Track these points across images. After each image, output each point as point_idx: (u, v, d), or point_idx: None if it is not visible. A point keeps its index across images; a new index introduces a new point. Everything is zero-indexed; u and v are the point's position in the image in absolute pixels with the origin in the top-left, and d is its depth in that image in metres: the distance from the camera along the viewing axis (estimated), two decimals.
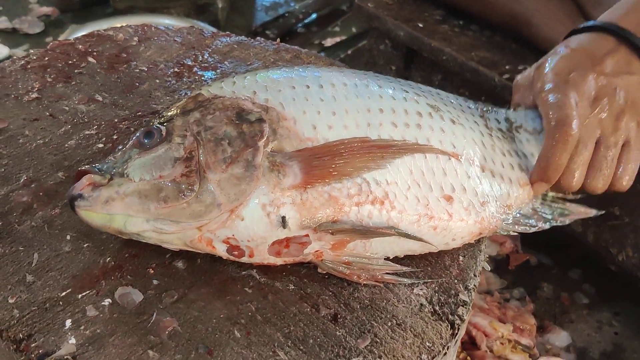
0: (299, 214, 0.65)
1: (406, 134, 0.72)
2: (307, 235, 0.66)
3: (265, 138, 0.66)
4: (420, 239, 0.69)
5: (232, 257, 0.67)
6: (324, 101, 0.71)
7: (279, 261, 0.68)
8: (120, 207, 0.64)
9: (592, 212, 0.87)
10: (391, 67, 1.54)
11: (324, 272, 0.69)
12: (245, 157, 0.65)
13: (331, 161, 0.66)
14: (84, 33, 1.05)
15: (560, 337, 1.32)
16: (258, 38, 1.07)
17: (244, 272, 0.69)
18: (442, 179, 0.72)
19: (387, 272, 0.70)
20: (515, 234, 0.79)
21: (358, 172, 0.67)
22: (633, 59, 0.83)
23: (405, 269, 0.71)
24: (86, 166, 0.66)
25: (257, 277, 0.68)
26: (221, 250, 0.67)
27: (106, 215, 0.64)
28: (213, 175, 0.64)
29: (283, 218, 0.65)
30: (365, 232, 0.67)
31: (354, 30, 2.32)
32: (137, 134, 0.68)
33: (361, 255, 0.69)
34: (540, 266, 1.48)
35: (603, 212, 0.88)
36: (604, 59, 0.82)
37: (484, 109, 0.85)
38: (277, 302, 0.66)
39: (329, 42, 2.22)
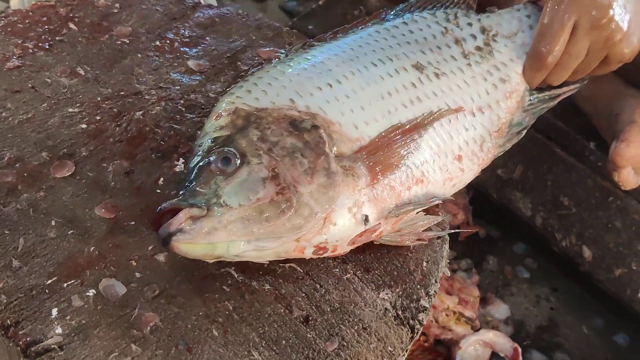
0: (375, 209, 0.73)
1: (416, 110, 0.79)
2: (379, 224, 0.74)
3: (327, 143, 0.71)
4: (445, 199, 0.83)
5: (314, 256, 0.72)
6: (350, 98, 0.76)
7: (349, 248, 0.74)
8: (223, 235, 0.66)
9: (578, 85, 0.93)
10: None
11: (378, 244, 0.77)
12: (322, 165, 0.70)
13: (385, 156, 0.74)
14: None
15: (500, 310, 1.40)
16: (240, 12, 1.08)
17: (222, 270, 0.72)
18: (451, 143, 0.81)
19: (426, 228, 0.79)
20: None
21: (403, 159, 0.76)
22: None
23: (439, 218, 0.81)
24: (173, 201, 0.66)
25: (235, 275, 0.72)
26: (309, 254, 0.72)
27: (208, 245, 0.66)
28: (304, 188, 0.68)
29: (366, 216, 0.72)
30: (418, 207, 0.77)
31: None
32: (211, 162, 0.68)
33: (408, 221, 0.78)
34: (488, 239, 1.55)
35: (585, 81, 0.94)
36: None
37: (455, 19, 0.89)
38: (253, 301, 0.70)
39: None
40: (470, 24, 0.90)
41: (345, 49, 0.82)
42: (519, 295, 1.46)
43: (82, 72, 0.90)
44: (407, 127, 0.77)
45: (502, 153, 0.88)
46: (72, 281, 0.69)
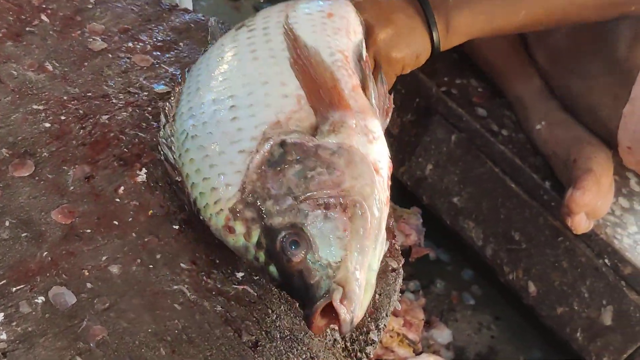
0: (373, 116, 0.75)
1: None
2: None
3: (304, 138, 0.70)
4: None
5: None
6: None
7: None
8: (364, 272, 0.65)
9: None
10: None
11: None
12: (326, 153, 0.68)
13: (324, 86, 0.73)
14: None
15: (443, 334, 1.43)
16: (215, 18, 1.07)
17: (175, 287, 0.72)
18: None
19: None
20: None
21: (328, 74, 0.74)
22: None
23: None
24: (318, 303, 0.63)
25: (188, 294, 0.72)
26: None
27: (367, 288, 0.65)
28: (345, 183, 0.67)
29: None
30: None
31: None
32: (290, 256, 0.64)
33: None
34: (438, 262, 1.58)
35: None
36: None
37: None
38: (203, 322, 0.70)
39: None
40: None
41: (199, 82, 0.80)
42: (463, 321, 1.49)
43: (50, 67, 0.88)
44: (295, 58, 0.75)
45: None
46: (22, 286, 0.68)
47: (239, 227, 0.67)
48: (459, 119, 1.35)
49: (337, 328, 0.63)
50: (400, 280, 0.83)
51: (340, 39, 0.81)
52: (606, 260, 1.20)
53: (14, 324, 0.65)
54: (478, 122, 1.34)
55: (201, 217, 0.70)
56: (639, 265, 1.17)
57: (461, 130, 1.36)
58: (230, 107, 0.73)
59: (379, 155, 0.71)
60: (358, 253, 0.65)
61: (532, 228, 1.29)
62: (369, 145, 0.70)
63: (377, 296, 0.79)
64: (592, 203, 1.08)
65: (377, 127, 0.74)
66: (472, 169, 1.36)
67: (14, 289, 0.67)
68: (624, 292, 1.19)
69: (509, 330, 1.48)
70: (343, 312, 0.62)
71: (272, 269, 0.66)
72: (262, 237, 0.66)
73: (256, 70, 0.77)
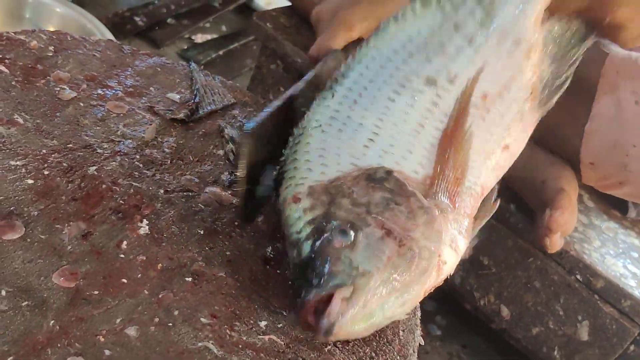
0: (464, 238, 0.74)
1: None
2: None
3: (408, 184, 0.71)
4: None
5: None
6: (394, 146, 0.74)
7: None
8: (376, 302, 0.65)
9: None
10: (280, 87, 1.53)
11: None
12: (416, 205, 0.69)
13: (452, 173, 0.73)
14: None
15: None
16: (182, 62, 1.02)
17: (200, 344, 0.66)
18: (492, 138, 0.77)
19: None
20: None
21: (463, 168, 0.74)
22: None
23: None
24: (314, 291, 0.65)
25: (215, 350, 0.66)
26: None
27: (367, 316, 0.65)
28: (414, 233, 0.68)
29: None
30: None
31: (224, 28, 2.27)
32: (331, 239, 0.67)
33: None
34: None
35: None
36: None
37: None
38: None
39: (199, 38, 2.15)
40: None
41: (358, 90, 0.77)
42: (433, 352, 1.47)
43: (20, 120, 0.81)
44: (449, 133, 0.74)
45: (548, 110, 0.82)
46: None
47: (306, 201, 0.70)
48: None
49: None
50: (419, 314, 0.80)
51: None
52: (578, 276, 1.22)
53: None
54: None
55: (277, 192, 0.74)
56: (610, 278, 1.19)
57: None
58: (371, 133, 0.74)
59: (448, 255, 0.71)
60: (385, 282, 0.66)
61: (501, 251, 1.29)
62: (450, 250, 0.71)
63: (401, 332, 0.76)
64: (570, 221, 1.10)
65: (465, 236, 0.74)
66: None
67: None
68: (598, 306, 1.21)
69: (478, 356, 1.48)
70: (335, 307, 0.63)
71: (307, 245, 0.68)
72: (320, 217, 0.69)
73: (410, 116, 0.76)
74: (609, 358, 1.22)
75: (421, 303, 1.50)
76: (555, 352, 1.26)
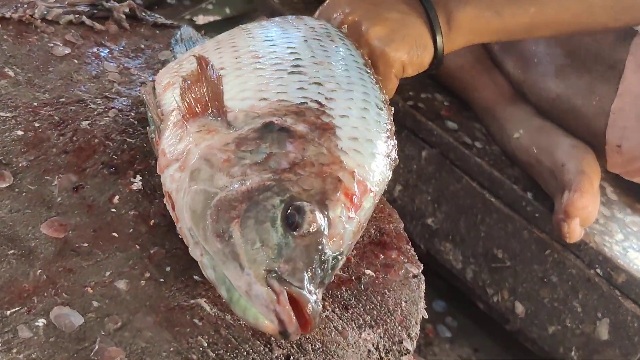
0: None
1: None
2: None
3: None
4: None
5: None
6: None
7: None
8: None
9: None
10: None
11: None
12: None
13: None
14: None
15: None
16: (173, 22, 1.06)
17: (192, 301, 0.68)
18: None
19: None
20: None
21: None
22: None
23: None
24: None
25: (207, 308, 0.68)
26: None
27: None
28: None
29: None
30: None
31: (227, 11, 2.30)
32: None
33: None
34: None
35: None
36: None
37: None
38: (229, 337, 0.67)
39: (201, 19, 2.19)
40: None
41: None
42: (442, 355, 1.49)
43: (11, 73, 0.84)
44: None
45: None
46: (17, 308, 0.63)
47: None
48: (430, 133, 1.38)
49: None
50: (423, 287, 0.82)
51: None
52: (598, 270, 1.23)
53: (14, 350, 0.60)
54: (450, 135, 1.36)
55: None
56: (632, 272, 1.20)
57: (432, 145, 1.38)
58: None
59: None
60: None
61: (516, 243, 1.31)
62: None
63: (403, 303, 0.78)
64: (590, 205, 1.11)
65: None
66: (446, 185, 1.38)
67: (9, 312, 0.62)
68: (619, 302, 1.22)
69: None
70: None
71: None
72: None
73: None
74: (631, 358, 1.23)
75: (429, 302, 1.54)
76: (573, 353, 1.28)
